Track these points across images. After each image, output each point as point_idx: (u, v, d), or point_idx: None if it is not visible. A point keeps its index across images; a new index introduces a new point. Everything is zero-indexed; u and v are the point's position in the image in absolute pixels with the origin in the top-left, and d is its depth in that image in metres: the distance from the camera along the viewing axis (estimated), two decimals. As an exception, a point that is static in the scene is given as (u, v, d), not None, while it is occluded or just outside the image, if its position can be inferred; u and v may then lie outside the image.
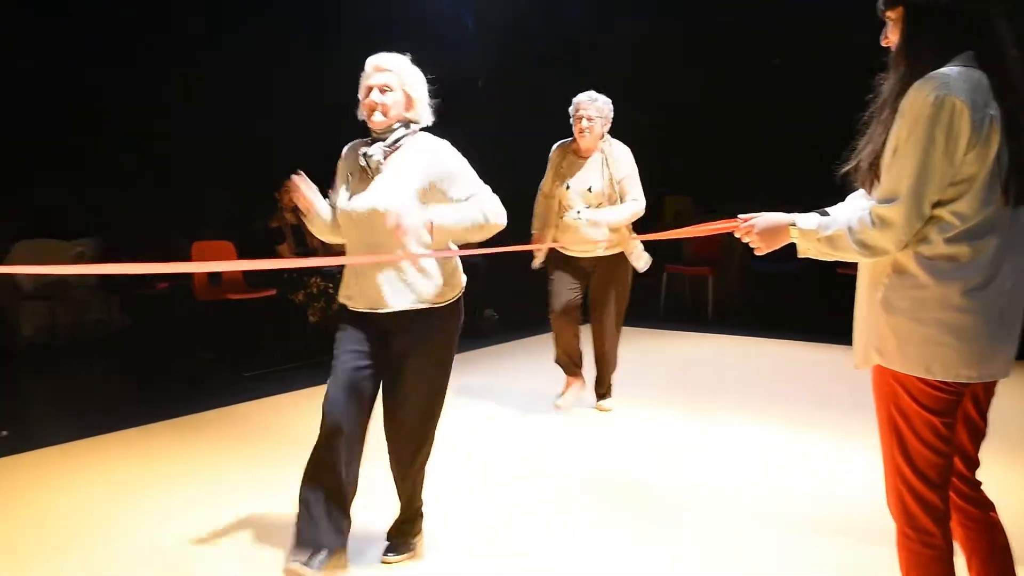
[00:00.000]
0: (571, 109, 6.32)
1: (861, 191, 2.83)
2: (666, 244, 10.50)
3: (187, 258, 8.71)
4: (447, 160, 3.74)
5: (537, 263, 6.58)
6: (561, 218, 6.34)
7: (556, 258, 6.50)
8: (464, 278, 3.85)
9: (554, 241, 6.38)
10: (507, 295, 9.80)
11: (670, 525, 4.54)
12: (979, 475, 2.84)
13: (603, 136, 6.35)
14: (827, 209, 2.84)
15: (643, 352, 8.80)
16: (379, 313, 3.74)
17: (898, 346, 2.62)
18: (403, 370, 3.80)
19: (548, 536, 4.40)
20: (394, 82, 3.75)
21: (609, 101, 6.35)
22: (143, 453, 5.76)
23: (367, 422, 3.79)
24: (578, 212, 6.25)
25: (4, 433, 5.94)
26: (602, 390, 6.75)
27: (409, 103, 3.79)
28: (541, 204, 6.52)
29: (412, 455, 3.97)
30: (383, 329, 3.76)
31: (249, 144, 9.90)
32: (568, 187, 6.30)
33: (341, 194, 3.84)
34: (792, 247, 2.84)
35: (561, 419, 6.49)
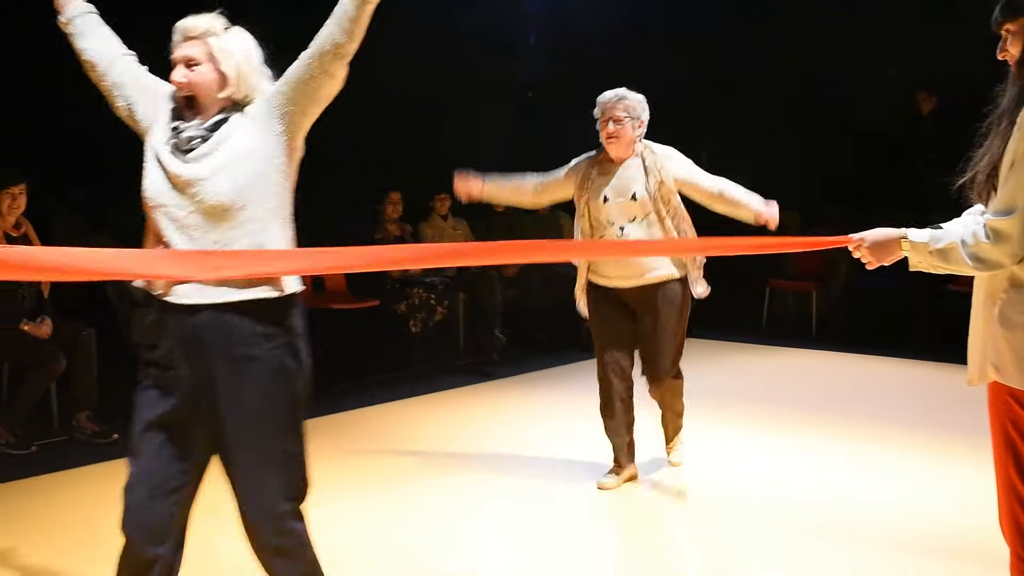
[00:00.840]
0: (596, 112, 5.25)
1: (976, 207, 2.78)
2: (768, 257, 10.49)
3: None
4: None
5: (580, 306, 5.42)
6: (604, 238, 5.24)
7: (593, 294, 5.35)
8: None
9: (589, 271, 5.30)
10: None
11: (757, 541, 4.50)
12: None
13: (637, 140, 5.24)
14: (941, 224, 2.80)
15: (742, 367, 8.72)
16: None
17: (1015, 362, 2.56)
18: None
19: (652, 551, 4.38)
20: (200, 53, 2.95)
21: (642, 99, 5.26)
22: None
23: None
24: (621, 229, 5.12)
25: (115, 436, 6.09)
26: (669, 443, 5.78)
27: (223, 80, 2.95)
28: (521, 187, 5.38)
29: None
30: None
31: (354, 153, 10.02)
32: (606, 199, 5.15)
33: None
34: (904, 262, 2.81)
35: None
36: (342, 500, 5.03)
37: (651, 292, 5.17)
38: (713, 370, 8.50)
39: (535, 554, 4.41)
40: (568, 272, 8.18)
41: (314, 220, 9.75)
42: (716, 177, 5.19)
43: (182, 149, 2.89)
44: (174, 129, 2.93)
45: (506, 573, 4.22)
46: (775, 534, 4.62)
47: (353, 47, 2.87)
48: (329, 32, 2.85)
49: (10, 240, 6.12)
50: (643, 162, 5.16)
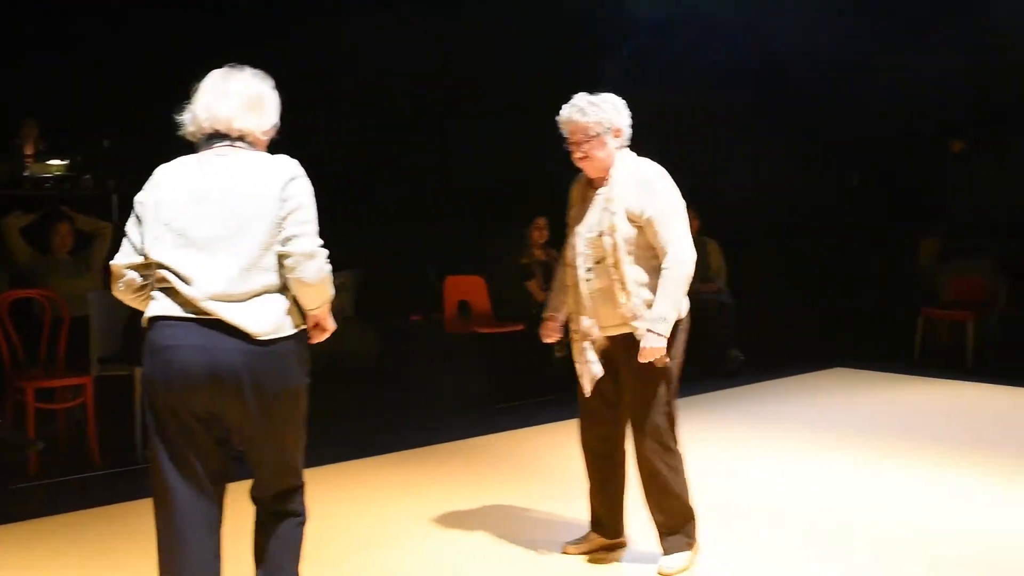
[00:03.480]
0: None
1: None
2: (921, 285, 10.20)
3: (439, 292, 9.00)
4: None
5: (588, 387, 4.54)
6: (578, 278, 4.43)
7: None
8: None
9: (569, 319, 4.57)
10: (754, 335, 9.65)
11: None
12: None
13: (617, 151, 4.37)
14: None
15: (892, 399, 8.47)
16: None
17: None
18: None
19: None
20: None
21: (611, 105, 4.35)
22: (394, 479, 5.98)
23: None
24: (588, 270, 4.36)
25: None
26: (663, 537, 4.50)
27: None
28: (560, 273, 4.68)
29: None
30: None
31: (503, 179, 10.11)
32: (580, 232, 4.43)
33: None
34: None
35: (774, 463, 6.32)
36: (482, 521, 5.09)
37: (629, 340, 4.35)
38: (862, 402, 8.31)
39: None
40: (716, 298, 8.15)
41: (458, 245, 9.92)
42: (675, 244, 4.30)
43: None
44: None
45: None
46: (912, 570, 4.50)
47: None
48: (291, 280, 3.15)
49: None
50: (608, 192, 4.34)
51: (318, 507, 5.30)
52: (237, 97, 3.26)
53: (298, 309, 3.21)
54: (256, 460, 3.33)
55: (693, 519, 4.53)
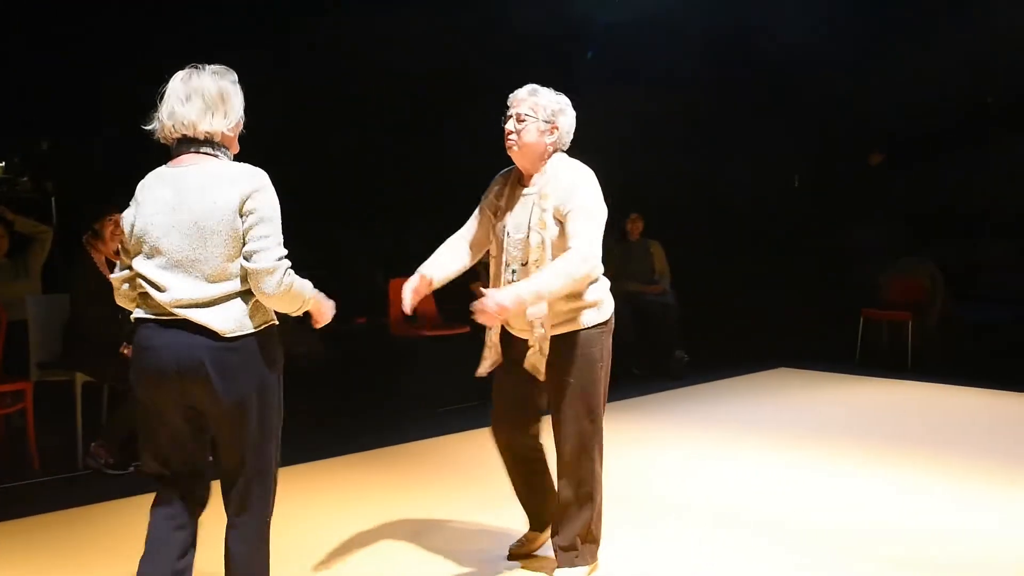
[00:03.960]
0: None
1: None
2: (862, 287, 10.32)
3: (384, 295, 8.97)
4: None
5: (484, 369, 4.51)
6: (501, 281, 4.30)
7: (502, 340, 4.45)
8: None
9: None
10: (698, 336, 9.72)
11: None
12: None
13: (549, 152, 4.22)
14: None
15: (834, 398, 8.58)
16: None
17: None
18: None
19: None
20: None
21: (564, 102, 4.26)
22: (339, 483, 5.96)
23: None
24: (513, 272, 4.24)
25: (209, 458, 6.20)
26: (562, 548, 4.32)
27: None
28: (456, 252, 4.52)
29: None
30: None
31: (457, 183, 10.10)
32: (508, 233, 4.26)
33: None
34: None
35: (731, 463, 6.38)
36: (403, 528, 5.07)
37: (552, 343, 4.21)
38: (804, 401, 8.40)
39: None
40: (660, 300, 8.12)
41: (405, 248, 9.86)
42: (581, 237, 4.03)
43: None
44: None
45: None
46: (863, 568, 4.55)
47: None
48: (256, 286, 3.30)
49: (111, 266, 6.30)
50: (540, 188, 4.18)
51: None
52: (199, 99, 3.33)
53: (262, 309, 3.38)
54: (224, 451, 3.48)
55: (598, 537, 4.36)
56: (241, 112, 3.45)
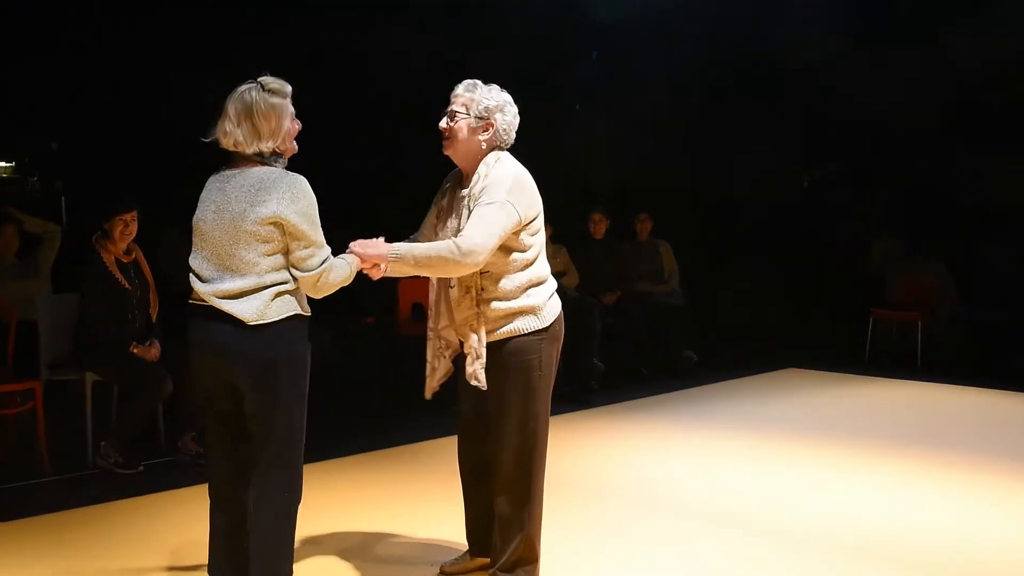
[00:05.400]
0: None
1: None
2: (871, 287, 10.29)
3: (395, 295, 8.98)
4: None
5: (431, 387, 4.34)
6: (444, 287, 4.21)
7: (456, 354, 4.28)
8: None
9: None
10: (707, 336, 9.70)
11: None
12: None
13: (484, 151, 4.08)
14: None
15: (842, 399, 8.55)
16: None
17: None
18: None
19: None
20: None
21: (503, 100, 4.11)
22: (342, 483, 5.96)
23: None
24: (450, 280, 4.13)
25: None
26: (500, 572, 4.17)
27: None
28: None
29: None
30: None
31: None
32: (448, 229, 4.18)
33: None
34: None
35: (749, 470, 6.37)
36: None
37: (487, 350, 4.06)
38: (814, 401, 8.38)
39: None
40: (669, 300, 8.05)
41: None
42: (473, 224, 3.90)
43: None
44: None
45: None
46: (867, 570, 4.54)
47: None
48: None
49: (121, 266, 6.32)
50: (471, 189, 4.05)
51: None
52: (248, 122, 3.64)
53: (285, 302, 3.66)
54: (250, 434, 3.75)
55: (535, 559, 4.18)
56: (286, 126, 3.71)
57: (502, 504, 4.12)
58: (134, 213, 6.32)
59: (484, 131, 4.05)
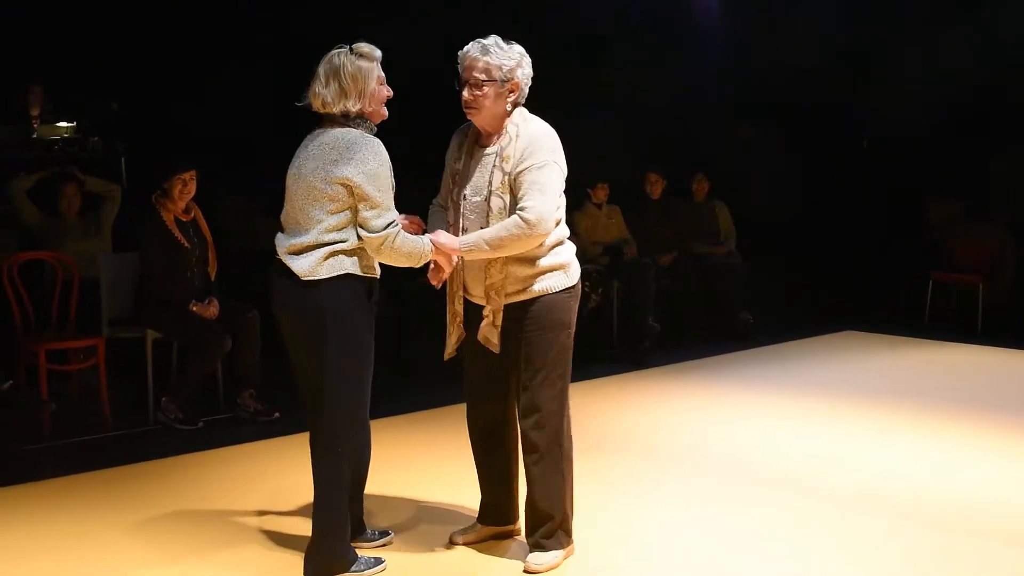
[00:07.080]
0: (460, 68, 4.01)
1: None
2: (931, 249, 10.14)
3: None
4: None
5: (451, 348, 4.27)
6: None
7: (468, 314, 4.18)
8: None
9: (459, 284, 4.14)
10: (763, 298, 9.62)
11: (903, 541, 4.40)
12: None
13: (509, 111, 3.98)
14: None
15: (900, 362, 8.45)
16: None
17: None
18: None
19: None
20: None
21: (517, 54, 3.97)
22: (393, 439, 6.01)
23: None
24: None
25: (276, 415, 6.30)
26: (534, 531, 4.15)
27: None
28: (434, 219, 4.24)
29: None
30: None
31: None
32: (465, 197, 4.05)
33: None
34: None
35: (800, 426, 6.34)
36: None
37: (508, 312, 4.03)
38: (872, 364, 8.30)
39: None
40: (726, 261, 7.97)
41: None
42: (530, 198, 3.86)
43: None
44: None
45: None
46: (921, 536, 4.51)
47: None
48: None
49: (180, 225, 6.39)
50: (501, 149, 3.96)
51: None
52: (335, 83, 3.81)
53: (338, 261, 3.82)
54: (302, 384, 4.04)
55: (568, 516, 4.14)
56: (376, 87, 3.86)
57: (534, 467, 4.06)
58: (193, 172, 6.38)
59: (511, 93, 3.95)
